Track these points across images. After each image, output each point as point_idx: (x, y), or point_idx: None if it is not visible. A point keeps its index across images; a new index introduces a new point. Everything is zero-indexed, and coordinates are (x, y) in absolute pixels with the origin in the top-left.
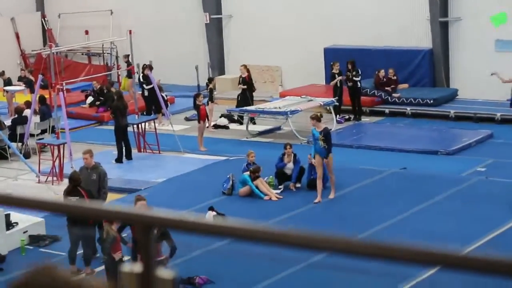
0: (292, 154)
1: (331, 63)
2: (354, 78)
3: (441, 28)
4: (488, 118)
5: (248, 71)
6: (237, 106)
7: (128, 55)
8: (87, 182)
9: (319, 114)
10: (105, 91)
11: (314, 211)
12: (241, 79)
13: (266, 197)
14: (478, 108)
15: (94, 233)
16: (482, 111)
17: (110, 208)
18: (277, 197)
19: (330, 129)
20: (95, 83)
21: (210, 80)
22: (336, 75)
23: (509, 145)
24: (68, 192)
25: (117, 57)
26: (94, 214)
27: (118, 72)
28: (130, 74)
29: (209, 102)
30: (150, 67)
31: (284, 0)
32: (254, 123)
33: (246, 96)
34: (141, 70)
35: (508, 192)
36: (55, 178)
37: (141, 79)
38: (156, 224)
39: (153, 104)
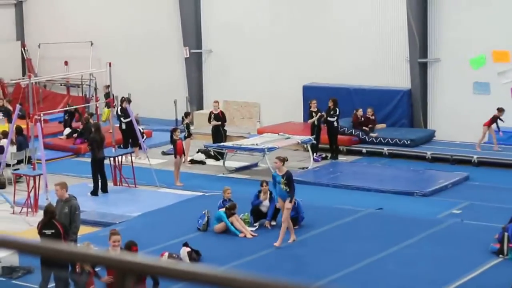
0: (268, 192)
1: (309, 101)
2: (329, 118)
3: (420, 69)
4: (465, 160)
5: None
6: (213, 142)
7: (109, 86)
8: (60, 215)
9: (285, 157)
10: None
11: (288, 249)
12: (213, 115)
13: (241, 234)
14: (455, 150)
15: (67, 268)
16: (459, 153)
17: (88, 252)
18: (252, 235)
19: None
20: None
21: (187, 114)
22: (314, 113)
23: (485, 188)
24: (43, 225)
25: (95, 89)
26: (72, 257)
27: (96, 104)
28: (109, 106)
29: (186, 137)
30: (128, 100)
31: (264, 37)
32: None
33: (220, 131)
34: (119, 103)
35: (484, 235)
36: (30, 209)
37: (119, 112)
38: (133, 269)
39: (130, 138)
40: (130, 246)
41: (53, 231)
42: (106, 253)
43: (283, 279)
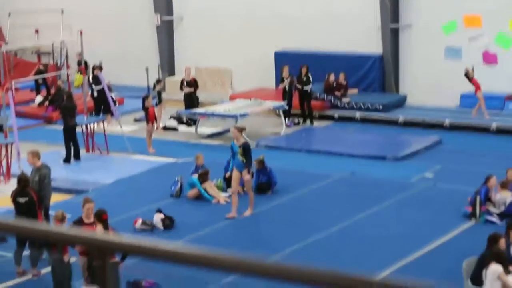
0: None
1: (281, 67)
2: (304, 86)
3: (392, 35)
4: (437, 124)
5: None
6: (185, 108)
7: (80, 54)
8: (32, 183)
9: (243, 127)
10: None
11: (261, 215)
12: (185, 82)
13: (214, 200)
14: (427, 114)
15: None
16: (430, 117)
17: (68, 231)
18: (225, 200)
19: (250, 145)
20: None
21: (158, 81)
22: (285, 79)
23: (457, 152)
24: (16, 193)
25: (67, 57)
26: (52, 237)
27: (68, 72)
28: (81, 73)
29: (158, 104)
30: (100, 68)
31: (236, 3)
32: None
33: (192, 98)
34: (91, 70)
35: (456, 198)
36: (2, 178)
37: (91, 80)
38: (112, 249)
39: (102, 105)
40: (101, 215)
41: (26, 199)
42: (80, 232)
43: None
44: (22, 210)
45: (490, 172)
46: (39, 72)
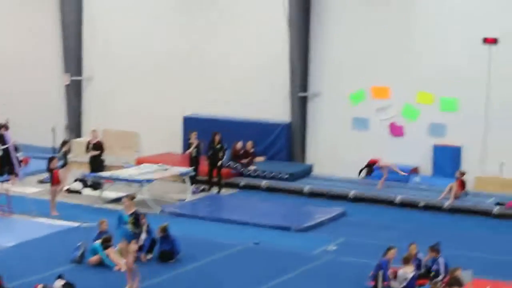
0: (146, 224)
1: (189, 132)
2: (220, 154)
3: (300, 103)
4: (341, 196)
5: (98, 136)
6: (90, 172)
7: None
8: None
9: (134, 195)
10: None
11: (163, 284)
12: (91, 144)
13: (116, 267)
14: (332, 185)
15: None
16: (336, 188)
17: None
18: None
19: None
20: None
21: (64, 142)
22: (193, 145)
23: (361, 224)
24: None
25: None
26: None
27: None
28: None
29: (63, 166)
30: (6, 127)
31: (145, 65)
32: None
33: (97, 161)
34: None
35: (359, 272)
36: None
37: None
38: None
39: (7, 165)
40: None
41: None
42: None
43: None
44: None
45: (393, 245)
46: None
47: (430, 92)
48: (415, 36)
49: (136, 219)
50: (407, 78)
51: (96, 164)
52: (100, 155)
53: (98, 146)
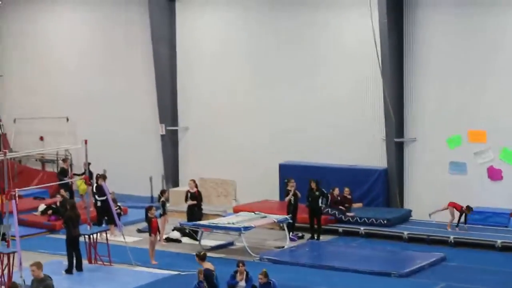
0: (245, 272)
1: (286, 179)
2: (320, 200)
3: (396, 148)
4: (441, 240)
5: (196, 186)
6: (188, 221)
7: (89, 164)
8: None
9: (202, 252)
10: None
11: None
12: (189, 194)
13: None
14: (431, 230)
15: None
16: (435, 233)
17: None
18: None
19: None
20: (59, 197)
21: (163, 192)
22: (290, 191)
23: (461, 269)
24: None
25: (71, 165)
26: None
27: (71, 181)
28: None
29: (162, 215)
30: (103, 177)
31: (241, 114)
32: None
33: (194, 211)
34: (95, 180)
35: None
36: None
37: (94, 190)
38: None
39: (106, 215)
40: None
41: None
42: None
43: None
44: None
45: None
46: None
47: None
48: (510, 78)
49: (207, 277)
50: (503, 121)
51: (194, 213)
52: (198, 205)
53: (196, 196)
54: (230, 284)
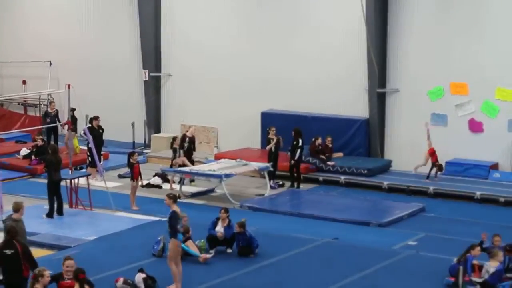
0: (228, 220)
1: (268, 127)
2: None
3: (378, 99)
4: (421, 191)
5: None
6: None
7: (74, 109)
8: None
9: (177, 194)
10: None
11: (244, 278)
12: (188, 138)
13: (201, 257)
14: (411, 180)
15: None
16: (415, 183)
17: None
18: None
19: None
20: (39, 140)
21: (175, 138)
22: (272, 140)
23: (440, 219)
24: (3, 245)
25: (57, 111)
26: None
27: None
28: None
29: (178, 157)
30: (96, 118)
31: (223, 61)
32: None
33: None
34: (88, 122)
35: (439, 267)
36: None
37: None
38: None
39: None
40: (77, 274)
41: (12, 251)
42: None
43: None
44: (8, 262)
45: (473, 241)
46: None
47: (509, 88)
48: (493, 32)
49: (170, 217)
50: (486, 74)
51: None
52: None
53: (192, 141)
54: (210, 232)
